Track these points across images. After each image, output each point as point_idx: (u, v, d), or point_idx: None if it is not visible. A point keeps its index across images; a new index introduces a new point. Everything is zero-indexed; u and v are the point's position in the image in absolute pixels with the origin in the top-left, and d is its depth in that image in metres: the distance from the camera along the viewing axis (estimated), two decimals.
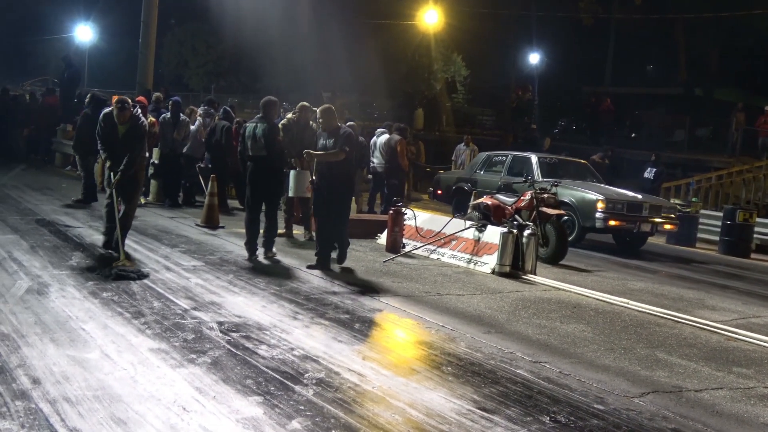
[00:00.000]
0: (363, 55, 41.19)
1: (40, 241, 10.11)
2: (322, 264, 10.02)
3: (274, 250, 10.53)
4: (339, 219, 10.17)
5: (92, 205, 13.86)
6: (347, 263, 10.43)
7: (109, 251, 9.68)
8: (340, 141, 9.82)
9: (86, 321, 6.66)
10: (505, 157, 17.40)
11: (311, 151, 10.02)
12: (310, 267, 9.92)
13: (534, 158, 16.46)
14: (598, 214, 14.32)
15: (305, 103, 12.52)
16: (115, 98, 15.26)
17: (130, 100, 9.71)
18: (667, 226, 15.57)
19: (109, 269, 8.60)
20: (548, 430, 5.10)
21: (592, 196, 14.72)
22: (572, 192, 14.97)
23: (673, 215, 15.77)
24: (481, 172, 17.65)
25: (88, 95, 14.27)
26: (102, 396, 4.99)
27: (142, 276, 8.53)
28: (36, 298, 7.29)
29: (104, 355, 5.81)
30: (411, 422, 5.03)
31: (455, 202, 17.77)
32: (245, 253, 10.35)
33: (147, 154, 11.25)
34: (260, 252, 10.51)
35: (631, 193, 15.64)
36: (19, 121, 22.91)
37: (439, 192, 19.10)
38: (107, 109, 9.74)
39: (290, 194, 11.79)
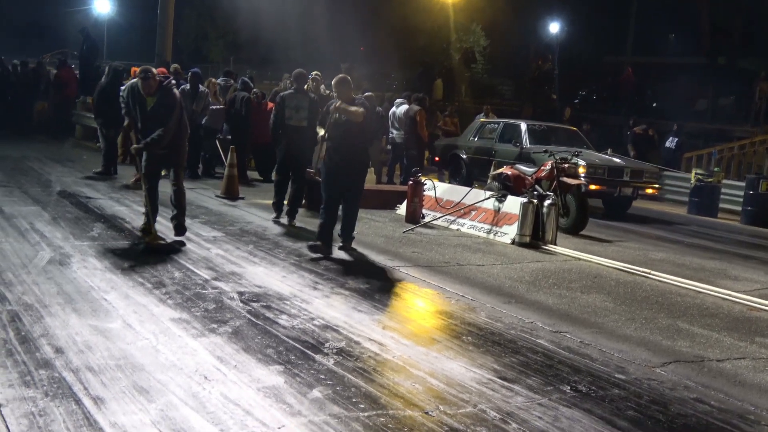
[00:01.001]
0: (381, 26, 40.94)
1: (62, 212, 10.16)
2: (324, 248, 9.04)
3: (296, 222, 10.62)
4: (351, 195, 9.32)
5: (113, 177, 13.88)
6: (366, 235, 10.42)
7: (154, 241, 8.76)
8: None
9: (108, 291, 6.71)
10: (497, 125, 17.95)
11: (338, 105, 9.01)
12: (312, 248, 9.07)
13: (523, 125, 16.97)
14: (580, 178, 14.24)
15: (317, 73, 12.59)
16: (135, 70, 15.34)
17: (154, 69, 8.96)
18: (649, 190, 16.01)
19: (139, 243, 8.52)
20: (569, 400, 5.09)
21: (575, 160, 14.56)
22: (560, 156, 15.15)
23: (655, 180, 16.34)
24: (475, 139, 17.99)
25: (107, 66, 14.25)
26: (124, 365, 5.03)
27: (174, 250, 8.40)
28: (58, 268, 7.34)
29: (126, 325, 5.85)
30: (431, 391, 5.04)
31: (451, 169, 18.44)
32: (265, 224, 10.44)
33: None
34: (284, 220, 10.91)
35: (616, 159, 16.13)
36: (39, 94, 22.98)
37: (437, 159, 19.67)
38: (132, 81, 8.96)
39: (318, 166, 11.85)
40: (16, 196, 11.10)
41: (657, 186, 16.52)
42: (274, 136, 11.21)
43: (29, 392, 4.48)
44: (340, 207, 9.35)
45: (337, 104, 9.01)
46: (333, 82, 9.19)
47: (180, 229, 9.09)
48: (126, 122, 9.04)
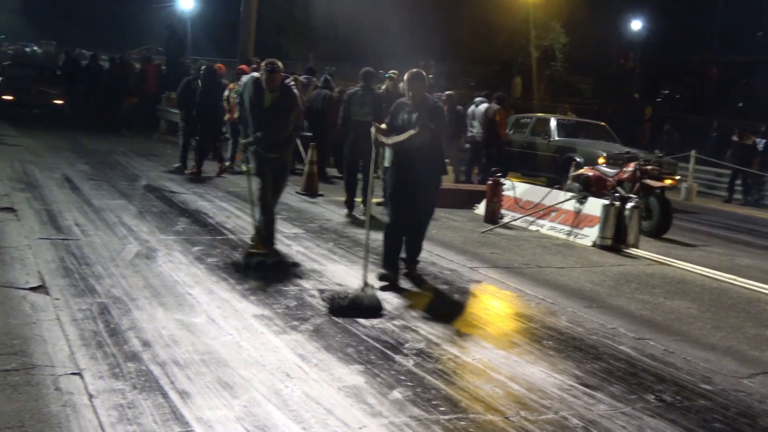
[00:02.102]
0: (459, 23, 40.74)
1: (148, 206, 10.41)
2: (392, 276, 7.63)
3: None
4: (421, 215, 7.89)
5: (200, 172, 14.12)
6: (445, 235, 10.40)
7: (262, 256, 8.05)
8: (425, 116, 7.53)
9: (192, 286, 6.84)
10: (530, 119, 19.05)
11: (383, 138, 7.73)
12: (381, 277, 7.55)
13: (553, 120, 18.36)
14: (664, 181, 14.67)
15: (395, 71, 12.56)
16: (221, 66, 15.60)
17: (280, 63, 8.23)
18: (667, 182, 15.48)
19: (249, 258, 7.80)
20: (653, 410, 5.00)
21: (596, 152, 16.27)
22: (582, 149, 16.90)
23: (672, 171, 16.65)
24: (511, 132, 18.42)
25: (203, 66, 14.50)
26: (209, 360, 5.13)
27: (279, 265, 7.78)
28: (144, 262, 7.52)
29: (210, 320, 5.96)
30: (512, 396, 5.01)
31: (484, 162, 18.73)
32: (344, 221, 10.55)
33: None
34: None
35: (639, 152, 16.10)
36: (128, 89, 23.60)
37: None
38: (255, 74, 8.44)
39: (386, 164, 11.97)
40: (104, 189, 11.42)
41: (675, 177, 16.92)
42: (342, 132, 11.67)
43: (118, 384, 4.60)
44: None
45: (387, 141, 7.72)
46: (405, 77, 7.81)
47: (269, 235, 8.41)
48: (246, 140, 8.35)
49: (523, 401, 4.93)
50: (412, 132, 7.43)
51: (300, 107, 8.43)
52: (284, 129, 8.19)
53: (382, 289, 7.27)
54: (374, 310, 6.53)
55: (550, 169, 17.57)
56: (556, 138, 17.69)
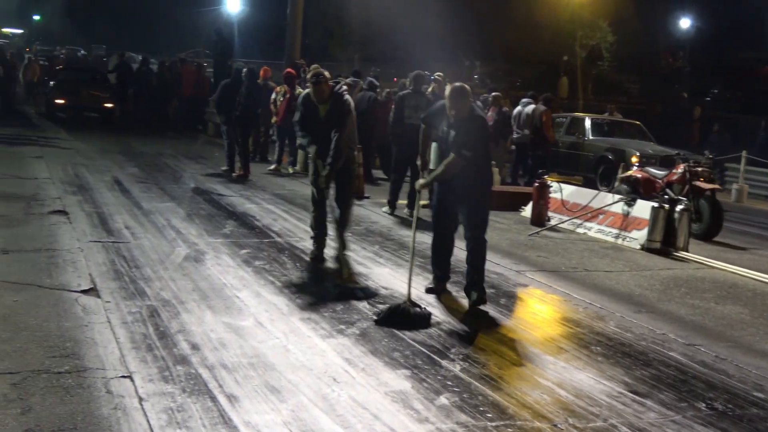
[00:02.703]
0: (505, 22, 40.52)
1: (196, 209, 10.52)
2: (438, 287, 7.43)
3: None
4: (473, 228, 7.16)
5: (247, 175, 14.23)
6: (491, 237, 10.33)
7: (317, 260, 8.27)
8: (463, 137, 6.87)
9: (240, 289, 6.90)
10: (564, 119, 19.24)
11: (423, 180, 7.32)
12: (429, 291, 7.39)
13: (588, 120, 18.62)
14: (633, 167, 14.67)
15: (440, 74, 12.63)
16: (266, 69, 15.72)
17: (327, 73, 8.09)
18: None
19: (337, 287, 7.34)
20: (704, 418, 4.92)
21: (629, 150, 16.59)
22: (612, 147, 17.15)
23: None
24: None
25: (245, 69, 14.64)
26: (257, 364, 5.17)
27: (369, 295, 7.14)
28: (193, 265, 7.61)
29: (258, 323, 6.01)
30: (560, 402, 4.97)
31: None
32: (390, 224, 10.58)
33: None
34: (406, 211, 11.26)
35: (671, 150, 16.13)
36: (175, 92, 23.92)
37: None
38: (306, 91, 8.27)
39: (431, 166, 12.06)
40: (153, 192, 11.57)
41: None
42: (393, 135, 11.71)
43: (168, 388, 4.66)
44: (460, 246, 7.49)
45: (423, 181, 7.28)
46: (447, 92, 7.00)
47: (341, 243, 7.99)
48: (312, 149, 7.98)
49: (571, 408, 4.89)
50: (448, 160, 6.87)
51: (353, 113, 8.17)
52: (344, 138, 7.87)
53: (427, 291, 7.31)
54: (423, 321, 6.33)
55: (584, 169, 17.66)
56: (590, 137, 17.90)
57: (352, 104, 8.24)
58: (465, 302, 7.08)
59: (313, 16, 43.31)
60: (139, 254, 7.79)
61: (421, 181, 7.31)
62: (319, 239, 8.33)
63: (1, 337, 5.22)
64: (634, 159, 15.83)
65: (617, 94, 36.59)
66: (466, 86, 7.07)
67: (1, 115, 20.09)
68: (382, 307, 6.54)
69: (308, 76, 8.16)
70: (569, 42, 40.17)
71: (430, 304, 6.91)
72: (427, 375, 5.22)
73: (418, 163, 7.52)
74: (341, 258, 7.85)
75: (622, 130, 18.97)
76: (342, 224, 8.08)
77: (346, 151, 8.05)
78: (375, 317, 6.31)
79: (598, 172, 17.20)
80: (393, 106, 12.06)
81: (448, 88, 7.07)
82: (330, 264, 8.12)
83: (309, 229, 9.60)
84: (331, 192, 8.14)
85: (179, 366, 5.01)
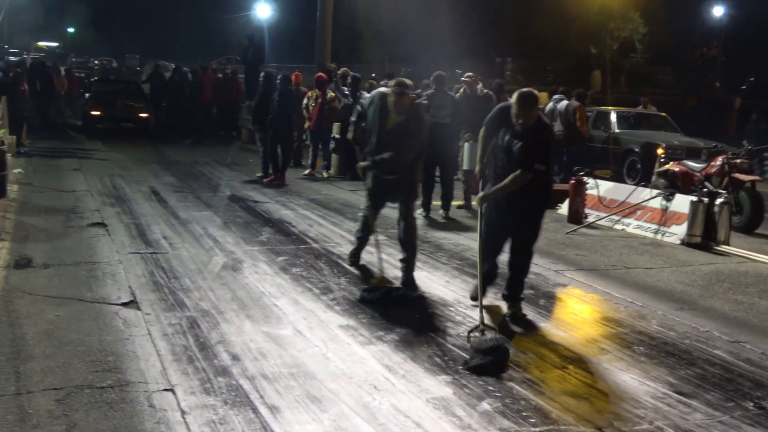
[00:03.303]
0: (535, 17, 40.25)
1: (232, 216, 10.57)
2: (356, 257, 7.81)
3: (450, 213, 11.35)
4: (521, 242, 6.80)
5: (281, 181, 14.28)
6: None
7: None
8: (534, 149, 6.38)
9: (278, 297, 6.91)
10: (591, 113, 18.89)
11: (484, 193, 6.85)
12: (473, 302, 7.02)
13: (613, 113, 18.58)
14: (661, 159, 14.72)
15: (471, 74, 12.56)
16: (298, 74, 15.77)
17: (408, 81, 7.55)
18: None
19: (375, 293, 7.02)
20: (753, 418, 4.83)
21: (654, 142, 16.61)
22: (638, 140, 17.14)
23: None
24: None
25: (281, 77, 14.71)
26: (297, 373, 5.17)
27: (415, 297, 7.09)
28: (231, 274, 7.64)
29: (297, 332, 6.01)
30: (604, 406, 4.91)
31: None
32: (425, 227, 10.54)
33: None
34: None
35: (699, 141, 16.93)
36: (200, 99, 24.15)
37: None
38: (377, 91, 7.82)
39: (464, 167, 12.16)
40: (189, 201, 11.65)
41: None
42: None
43: (210, 400, 4.68)
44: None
45: (483, 195, 6.81)
46: (514, 99, 6.38)
47: (408, 278, 7.59)
48: (350, 134, 7.98)
49: (616, 411, 4.83)
50: (516, 175, 6.35)
51: (427, 132, 7.61)
52: (407, 153, 7.42)
53: (473, 299, 7.03)
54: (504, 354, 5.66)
55: (610, 162, 17.56)
56: (616, 130, 17.90)
57: (428, 123, 7.76)
58: (504, 305, 7.00)
59: (343, 18, 43.41)
60: (177, 265, 7.84)
61: (481, 194, 6.84)
62: (362, 242, 8.18)
63: (44, 353, 5.27)
64: (660, 151, 15.75)
65: (651, 86, 36.23)
66: (535, 92, 6.55)
67: (40, 128, 20.33)
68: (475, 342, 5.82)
69: (391, 84, 7.52)
70: (600, 34, 39.80)
71: (468, 307, 6.87)
72: (468, 380, 5.19)
73: (476, 171, 7.17)
74: (408, 271, 7.59)
75: (649, 123, 18.96)
76: (406, 247, 7.66)
77: (403, 166, 7.51)
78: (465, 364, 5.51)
79: (625, 165, 17.15)
80: None
81: (515, 95, 6.44)
82: (365, 268, 8.09)
83: (345, 233, 9.67)
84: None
85: (220, 377, 5.03)
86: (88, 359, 5.20)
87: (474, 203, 7.04)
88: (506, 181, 6.44)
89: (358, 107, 7.98)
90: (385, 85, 15.83)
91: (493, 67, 47.17)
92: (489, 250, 6.89)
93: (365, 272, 7.96)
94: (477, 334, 5.96)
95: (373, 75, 16.48)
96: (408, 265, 7.64)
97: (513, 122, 6.40)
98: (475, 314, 6.45)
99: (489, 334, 5.86)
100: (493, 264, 7.01)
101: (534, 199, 6.63)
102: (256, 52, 23.80)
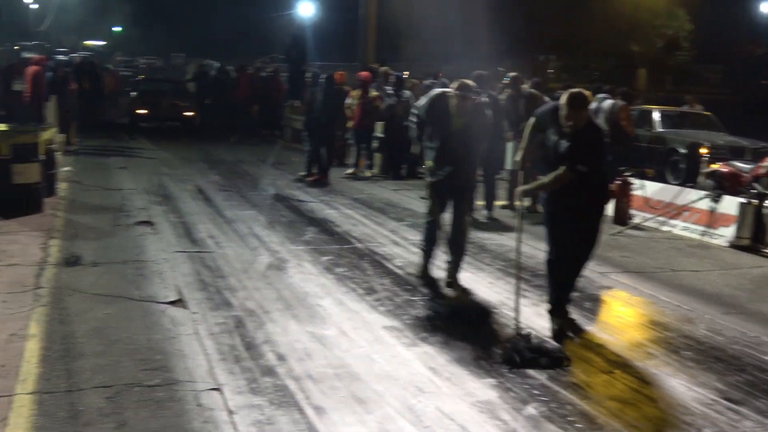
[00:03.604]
0: (579, 14, 39.87)
1: (277, 216, 10.64)
2: (559, 315, 6.50)
3: (493, 213, 11.25)
4: (585, 249, 6.49)
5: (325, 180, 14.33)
6: None
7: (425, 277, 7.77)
8: (579, 150, 6.14)
9: (323, 297, 6.95)
10: (635, 112, 18.48)
11: (526, 186, 6.81)
12: (550, 310, 6.57)
13: (656, 111, 18.22)
14: (703, 159, 14.74)
15: (516, 74, 12.47)
16: (341, 74, 15.81)
17: (470, 82, 7.44)
18: None
19: (439, 305, 6.88)
20: None
21: (698, 141, 16.31)
22: (683, 139, 16.82)
23: None
24: None
25: (326, 77, 14.78)
26: (342, 374, 5.19)
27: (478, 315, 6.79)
28: (276, 273, 7.69)
29: (341, 332, 6.04)
30: (651, 412, 4.87)
31: None
32: (470, 227, 10.50)
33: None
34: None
35: (743, 141, 16.62)
36: (256, 98, 24.31)
37: None
38: (439, 90, 7.67)
39: (507, 167, 12.10)
40: (235, 200, 11.75)
41: None
42: None
43: (256, 400, 4.72)
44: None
45: (523, 188, 6.70)
46: (563, 100, 6.14)
47: (452, 279, 7.56)
48: (415, 148, 7.56)
49: (663, 417, 4.79)
50: (558, 173, 6.15)
51: (490, 131, 7.57)
52: (473, 156, 7.44)
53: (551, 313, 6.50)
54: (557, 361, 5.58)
55: (653, 161, 17.25)
56: (659, 129, 17.63)
57: (490, 121, 7.61)
58: (547, 307, 6.94)
59: (385, 16, 43.41)
60: (223, 264, 7.92)
61: (523, 187, 6.79)
62: (429, 254, 7.77)
63: (94, 351, 5.37)
64: (703, 151, 15.59)
65: (697, 85, 35.71)
66: (586, 92, 6.30)
67: (88, 127, 20.65)
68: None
69: (454, 86, 7.35)
70: (645, 32, 39.34)
71: (513, 309, 6.84)
72: (513, 384, 5.17)
73: (516, 159, 6.95)
74: (452, 277, 7.48)
75: (692, 122, 18.60)
76: (454, 242, 7.57)
77: (471, 171, 7.53)
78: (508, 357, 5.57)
79: (668, 165, 16.91)
80: None
81: (564, 96, 6.18)
82: (409, 269, 8.09)
83: (388, 233, 9.69)
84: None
85: (267, 377, 5.07)
86: (137, 357, 5.28)
87: (517, 203, 6.89)
88: (548, 178, 6.29)
89: (413, 119, 7.53)
90: (430, 85, 15.92)
91: (536, 65, 46.88)
92: (557, 263, 6.46)
93: (409, 274, 7.96)
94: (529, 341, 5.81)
95: (405, 73, 16.38)
96: (454, 267, 7.60)
97: (562, 124, 6.20)
98: (520, 316, 6.39)
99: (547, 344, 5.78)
100: (564, 283, 6.54)
101: (592, 202, 6.39)
102: (299, 50, 23.90)
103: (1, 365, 5.05)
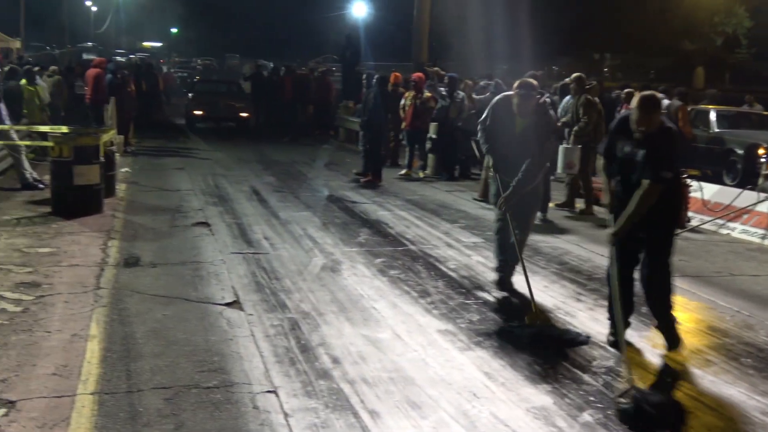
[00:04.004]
0: (634, 11, 39.38)
1: (331, 217, 10.71)
2: (503, 283, 7.21)
3: (547, 216, 11.09)
4: (650, 268, 6.02)
5: (377, 180, 14.38)
6: None
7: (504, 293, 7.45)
8: (659, 154, 5.62)
9: (376, 300, 6.98)
10: (691, 111, 18.30)
11: (615, 227, 5.90)
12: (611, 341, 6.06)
13: (713, 111, 17.94)
14: (761, 159, 14.22)
15: (580, 74, 12.28)
16: (397, 75, 15.84)
17: (533, 82, 7.11)
18: None
19: (520, 328, 6.36)
20: None
21: (757, 142, 16.06)
22: (740, 140, 16.53)
23: None
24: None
25: (375, 77, 14.85)
26: (396, 378, 5.21)
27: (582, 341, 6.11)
28: (330, 275, 7.74)
29: (395, 336, 6.06)
30: (710, 421, 4.79)
31: None
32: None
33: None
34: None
35: None
36: (309, 98, 24.54)
37: None
38: (503, 95, 7.33)
39: (558, 170, 11.99)
40: (289, 201, 11.86)
41: None
42: None
43: (312, 403, 4.76)
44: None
45: (612, 232, 5.93)
46: (635, 104, 5.68)
47: (506, 280, 7.43)
48: (486, 158, 7.02)
49: (723, 427, 4.71)
50: (642, 191, 5.60)
51: (554, 133, 7.04)
52: (543, 160, 7.14)
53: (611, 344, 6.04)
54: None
55: (710, 162, 16.96)
56: (716, 129, 17.38)
57: (554, 123, 7.09)
58: (604, 311, 6.77)
59: (438, 15, 43.32)
60: (278, 265, 8.00)
61: (611, 229, 5.94)
62: (504, 266, 7.44)
63: (153, 352, 5.46)
64: (761, 151, 15.33)
65: (757, 83, 34.97)
66: (658, 95, 5.87)
67: (145, 128, 21.01)
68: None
69: (514, 85, 7.04)
70: (703, 30, 38.70)
71: (568, 313, 6.79)
72: (569, 390, 5.13)
73: (604, 202, 6.26)
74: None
75: (750, 122, 18.31)
76: (512, 254, 7.29)
77: (538, 174, 7.13)
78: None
79: (725, 166, 16.64)
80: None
81: (637, 100, 5.72)
82: (463, 272, 8.09)
83: (442, 235, 9.69)
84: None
85: (321, 380, 5.11)
86: (195, 359, 5.36)
87: (609, 239, 5.98)
88: (633, 203, 5.68)
89: (479, 132, 7.30)
90: (485, 86, 15.86)
91: (591, 64, 46.38)
92: (621, 278, 5.93)
93: (462, 277, 7.95)
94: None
95: (468, 82, 16.30)
96: (508, 269, 7.50)
97: (633, 129, 5.71)
98: (576, 321, 6.34)
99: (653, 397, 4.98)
100: (629, 300, 6.12)
101: (665, 209, 5.86)
102: (353, 51, 24.02)
103: (64, 365, 5.16)
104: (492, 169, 7.41)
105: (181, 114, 25.67)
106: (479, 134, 7.42)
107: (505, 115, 7.06)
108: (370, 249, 8.94)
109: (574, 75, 12.24)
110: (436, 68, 16.96)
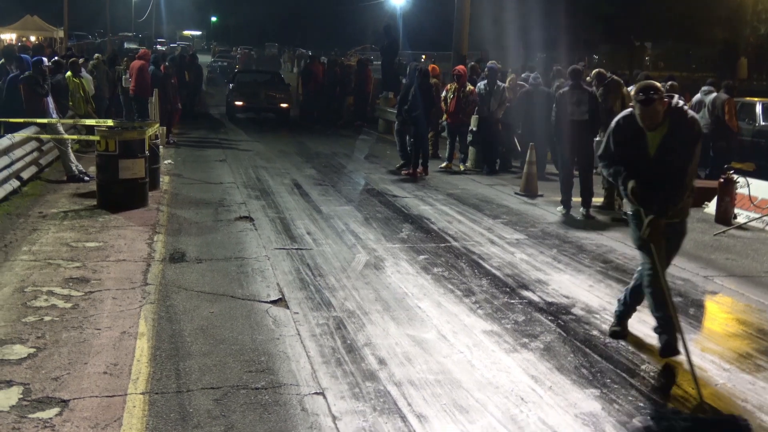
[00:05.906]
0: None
1: (372, 212, 10.71)
2: (669, 348, 5.68)
3: (592, 212, 11.14)
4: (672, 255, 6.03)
5: (419, 174, 14.36)
6: None
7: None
8: (672, 146, 5.49)
9: (421, 299, 6.97)
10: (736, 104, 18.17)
11: (656, 220, 5.53)
12: (664, 350, 5.72)
13: (759, 105, 17.45)
14: None
15: (600, 69, 12.17)
16: (435, 68, 15.77)
17: (659, 86, 5.52)
18: None
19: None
20: None
21: None
22: None
23: None
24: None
25: (419, 69, 14.80)
26: (443, 380, 5.20)
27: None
28: (374, 272, 7.75)
29: (441, 336, 6.05)
30: (761, 428, 4.72)
31: None
32: (566, 225, 10.41)
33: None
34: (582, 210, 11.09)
35: None
36: (348, 89, 24.57)
37: None
38: (625, 112, 5.82)
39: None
40: (331, 195, 11.88)
41: None
42: (557, 132, 11.52)
43: (359, 405, 4.77)
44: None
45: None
46: (635, 102, 5.52)
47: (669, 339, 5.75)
48: (629, 184, 5.59)
49: None
50: (672, 184, 5.46)
51: (701, 140, 5.62)
52: (684, 183, 5.59)
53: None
54: None
55: (755, 155, 16.55)
56: (762, 123, 17.08)
57: (700, 127, 5.67)
58: (648, 313, 6.73)
59: (477, 3, 43.01)
60: (322, 262, 8.03)
61: (648, 229, 5.59)
62: (665, 323, 5.79)
63: (201, 351, 5.51)
64: None
65: None
66: (655, 83, 5.56)
67: (187, 119, 21.16)
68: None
69: (633, 92, 5.90)
70: (747, 18, 37.97)
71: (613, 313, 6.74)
72: (618, 395, 5.09)
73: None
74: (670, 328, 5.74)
75: None
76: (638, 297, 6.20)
77: (687, 196, 5.78)
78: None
79: None
80: (554, 103, 11.67)
81: (633, 94, 5.64)
82: (507, 270, 8.05)
83: (484, 231, 9.63)
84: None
85: (368, 382, 5.12)
86: (242, 359, 5.40)
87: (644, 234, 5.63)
88: (665, 195, 5.52)
89: (602, 163, 5.96)
90: (527, 79, 15.69)
91: (632, 53, 45.81)
92: (653, 276, 5.73)
93: (504, 275, 7.91)
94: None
95: (512, 75, 16.18)
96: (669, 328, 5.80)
97: (644, 126, 5.53)
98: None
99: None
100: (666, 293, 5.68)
101: (684, 208, 5.79)
102: (392, 42, 23.93)
103: (114, 363, 5.23)
104: (629, 202, 5.82)
105: (216, 104, 25.79)
106: (602, 170, 6.08)
107: (633, 134, 5.67)
108: (412, 245, 8.93)
109: (595, 71, 12.16)
110: (473, 63, 16.83)
